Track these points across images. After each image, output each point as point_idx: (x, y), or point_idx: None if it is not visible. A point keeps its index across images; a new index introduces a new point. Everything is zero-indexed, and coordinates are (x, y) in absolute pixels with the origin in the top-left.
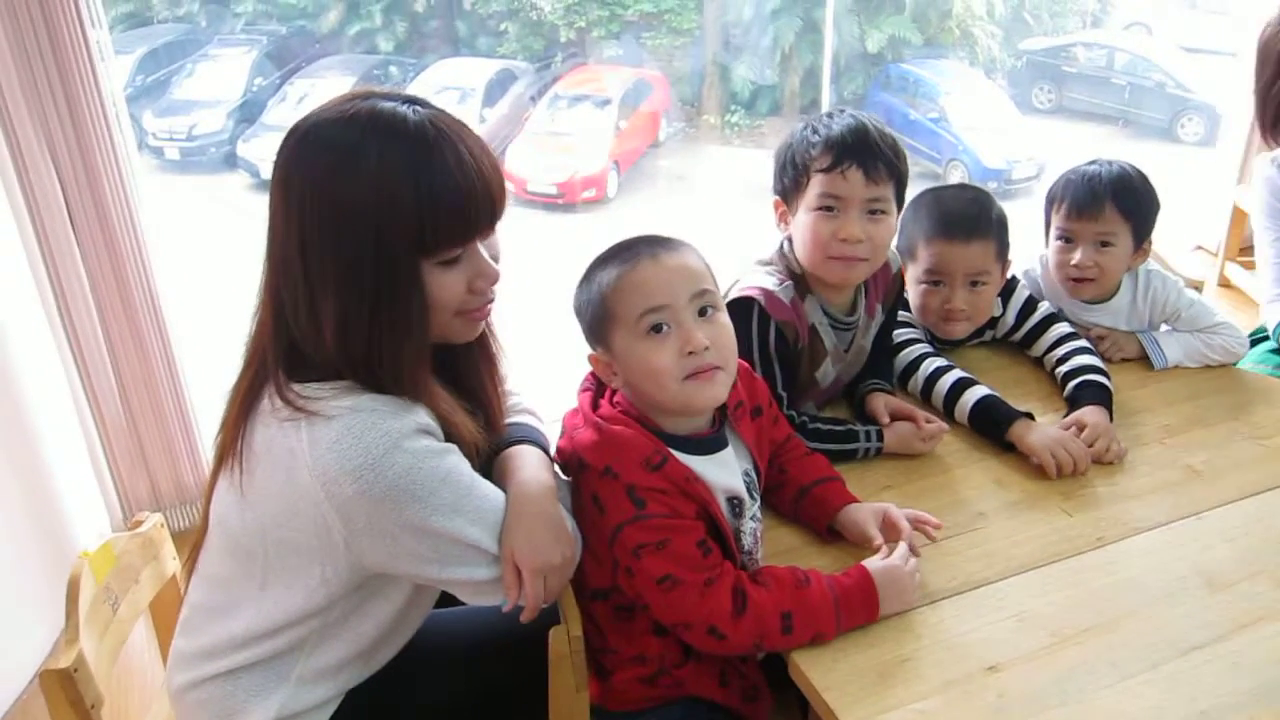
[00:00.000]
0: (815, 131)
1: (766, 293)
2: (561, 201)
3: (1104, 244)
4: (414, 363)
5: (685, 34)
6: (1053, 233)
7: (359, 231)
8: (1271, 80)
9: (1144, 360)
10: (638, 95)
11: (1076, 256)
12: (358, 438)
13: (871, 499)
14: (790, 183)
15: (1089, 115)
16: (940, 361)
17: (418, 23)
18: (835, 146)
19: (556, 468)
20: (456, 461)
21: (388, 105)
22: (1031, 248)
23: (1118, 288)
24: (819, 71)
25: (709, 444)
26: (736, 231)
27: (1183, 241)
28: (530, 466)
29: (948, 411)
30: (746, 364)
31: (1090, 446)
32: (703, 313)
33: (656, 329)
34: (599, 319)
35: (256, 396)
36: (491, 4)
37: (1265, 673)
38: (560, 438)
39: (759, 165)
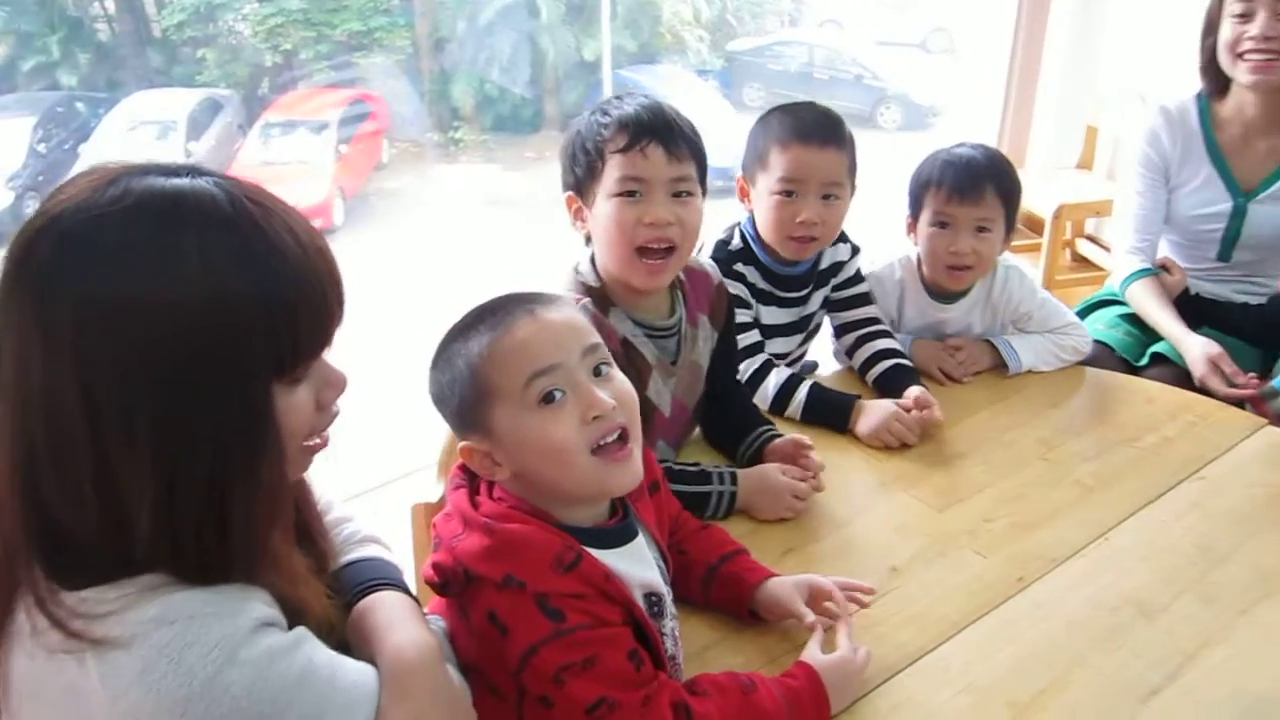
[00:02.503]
0: (606, 113)
1: None
2: None
3: (981, 229)
4: (269, 525)
5: (399, 51)
6: (926, 217)
7: (186, 358)
8: (1206, 30)
9: (993, 370)
10: (356, 118)
11: (957, 243)
12: (175, 661)
13: (773, 567)
14: (584, 172)
15: None
16: (762, 357)
17: (103, 53)
18: (630, 124)
19: (433, 618)
20: (310, 651)
21: (176, 182)
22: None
23: (972, 285)
24: (540, 83)
25: (617, 534)
26: (475, 247)
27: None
28: (400, 623)
29: (777, 411)
30: None
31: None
32: (598, 372)
33: (548, 398)
34: (472, 399)
35: (4, 611)
36: (185, 30)
37: (1231, 711)
38: (435, 551)
39: (489, 180)
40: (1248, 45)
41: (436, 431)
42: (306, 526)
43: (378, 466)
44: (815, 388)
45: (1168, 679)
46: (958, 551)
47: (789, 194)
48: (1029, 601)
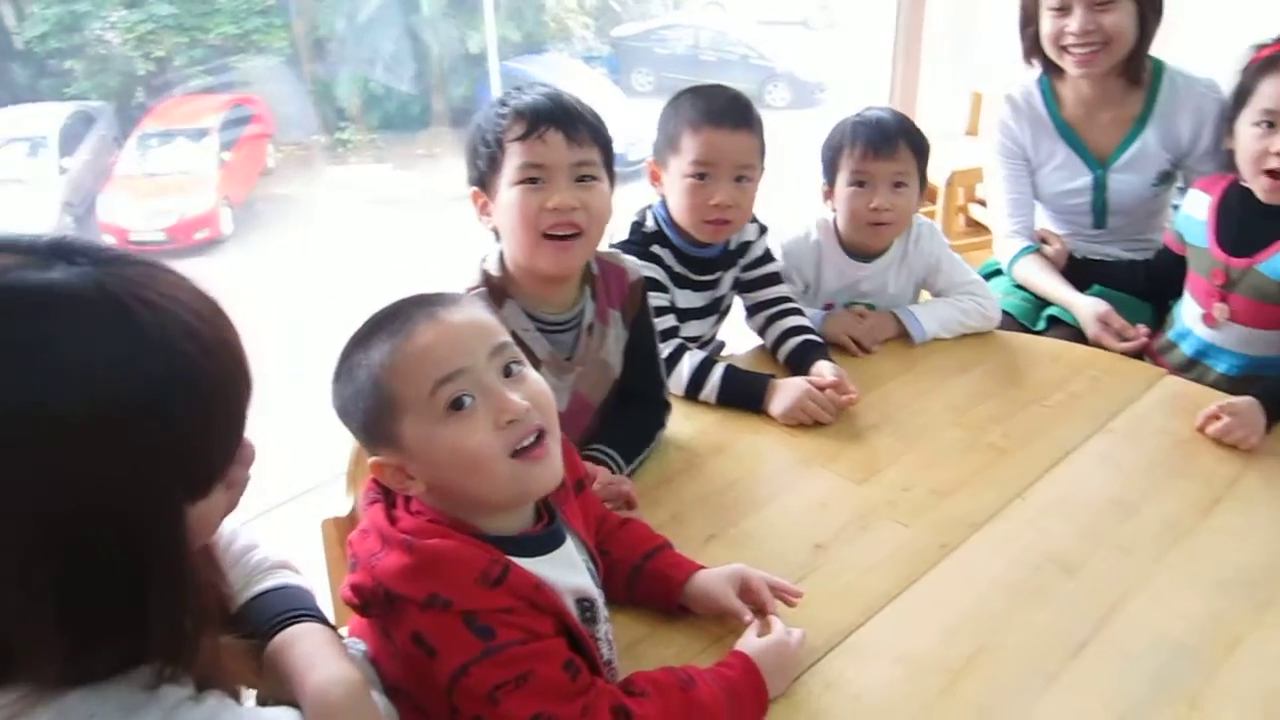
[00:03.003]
0: (504, 104)
1: None
2: (173, 247)
3: (898, 184)
4: (181, 614)
5: (278, 53)
6: (843, 178)
7: (73, 493)
8: (1024, 21)
9: (900, 340)
10: (237, 123)
11: (876, 199)
12: None
13: (698, 555)
14: (485, 164)
15: None
16: (675, 342)
17: None
18: (528, 112)
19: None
20: (223, 714)
21: (47, 278)
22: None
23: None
24: (426, 78)
25: (545, 541)
26: (370, 248)
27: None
28: (321, 660)
29: (691, 396)
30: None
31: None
32: (508, 371)
33: (457, 404)
34: (377, 411)
35: None
36: (49, 41)
37: (1155, 659)
38: (353, 571)
39: (380, 179)
40: (1069, 40)
41: (342, 442)
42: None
43: (282, 481)
44: (729, 369)
45: (1093, 632)
46: (880, 523)
47: (702, 177)
48: (954, 568)
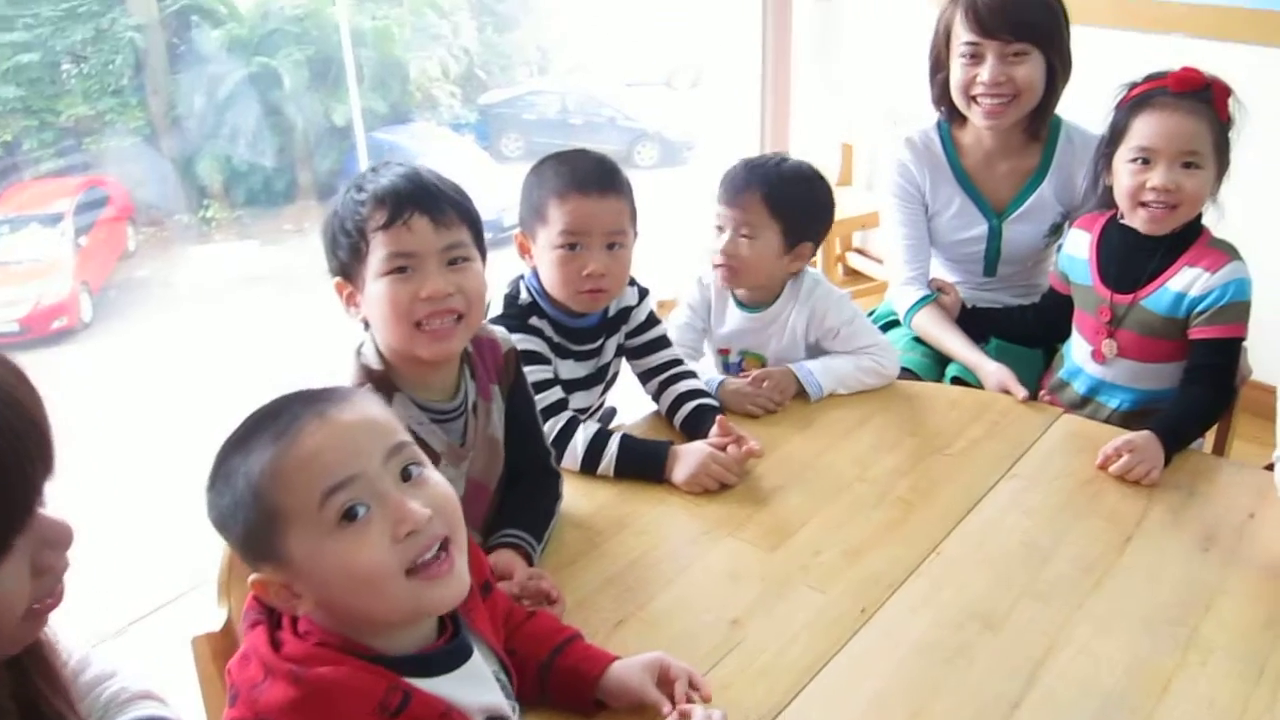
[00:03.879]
0: (361, 189)
1: None
2: (28, 338)
3: (745, 235)
4: None
5: (134, 133)
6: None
7: None
8: (934, 68)
9: (797, 398)
10: (93, 205)
11: (725, 244)
12: None
13: (609, 642)
14: (348, 255)
15: None
16: (567, 414)
17: None
18: (388, 198)
19: None
20: None
21: None
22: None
23: (777, 296)
24: (290, 152)
25: (450, 656)
26: (237, 329)
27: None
28: None
29: (588, 469)
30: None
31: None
32: (407, 475)
33: (350, 515)
34: (258, 524)
35: None
36: None
37: (1088, 710)
38: (232, 705)
39: (246, 256)
40: (979, 90)
41: (213, 544)
42: (36, 700)
43: (145, 590)
44: (626, 439)
45: (1024, 689)
46: (795, 591)
47: (572, 247)
48: (876, 632)
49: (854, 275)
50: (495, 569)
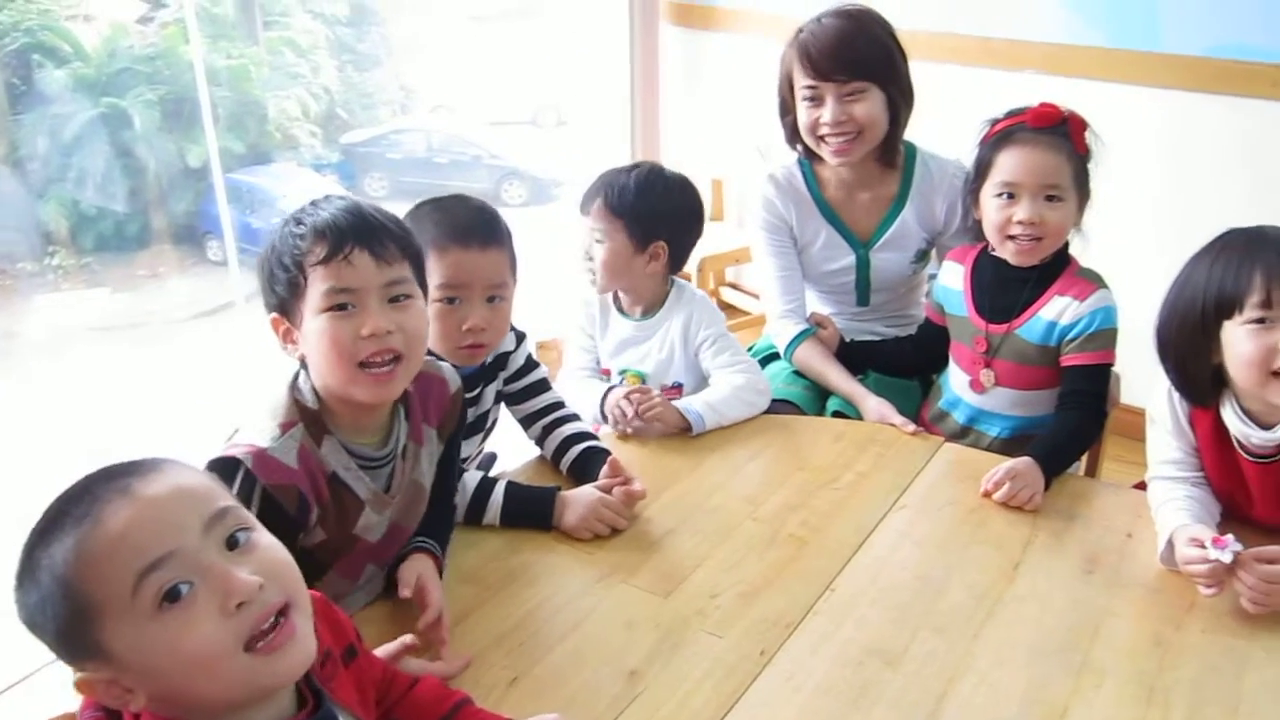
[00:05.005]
0: (300, 223)
1: (258, 452)
2: None
3: (598, 240)
4: None
5: None
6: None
7: None
8: (783, 111)
9: (681, 434)
10: None
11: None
12: None
13: (501, 705)
14: (285, 290)
15: (422, 194)
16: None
17: None
18: (329, 231)
19: None
20: None
21: None
22: None
23: (662, 301)
24: (143, 195)
25: None
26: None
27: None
28: None
29: (473, 520)
30: (320, 593)
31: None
32: (233, 543)
33: (171, 595)
34: (70, 620)
35: None
36: None
37: None
38: None
39: (97, 305)
40: (825, 130)
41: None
42: None
43: None
44: (511, 486)
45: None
46: (693, 637)
47: (451, 301)
48: (777, 676)
49: (729, 310)
50: (406, 574)
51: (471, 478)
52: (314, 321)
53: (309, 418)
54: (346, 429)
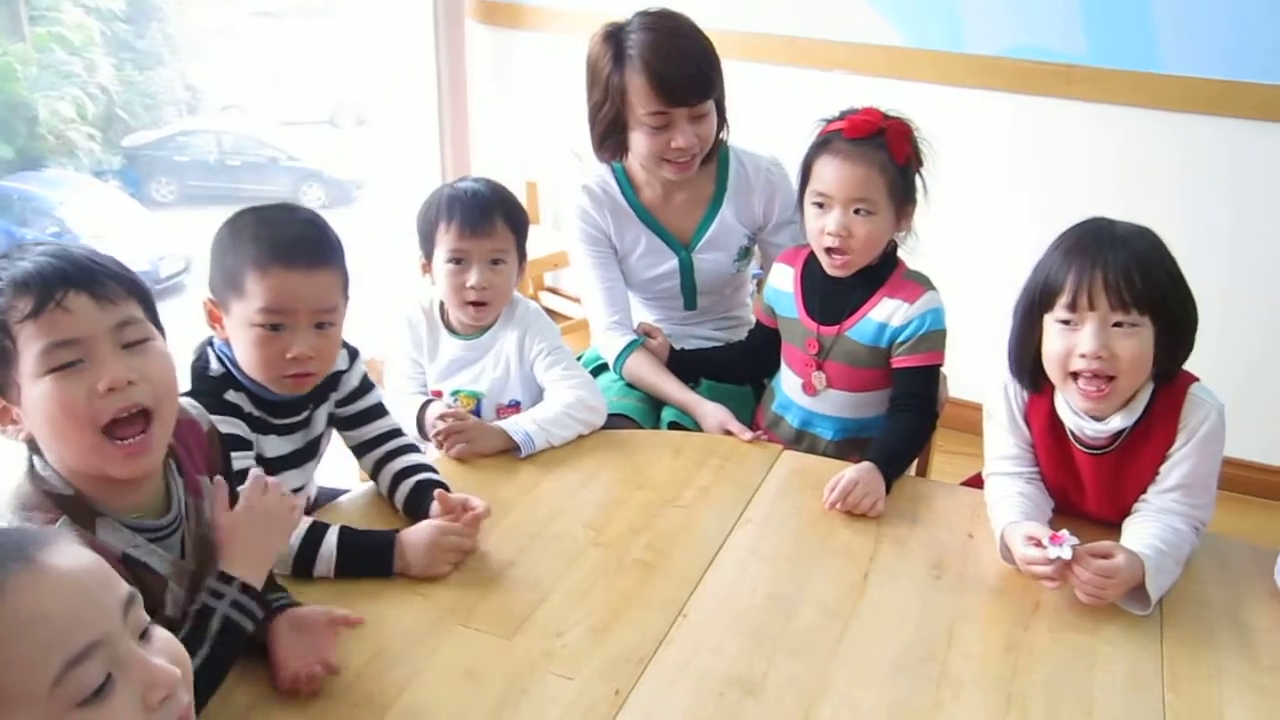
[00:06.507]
0: None
1: None
2: None
3: (495, 261)
4: None
5: None
6: (441, 255)
7: None
8: (600, 102)
9: (509, 456)
10: None
11: (471, 279)
12: None
13: None
14: None
15: (214, 199)
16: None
17: None
18: (33, 281)
19: None
20: None
21: None
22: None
23: (494, 322)
24: None
25: None
26: None
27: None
28: None
29: (302, 573)
30: None
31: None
32: (145, 632)
33: (100, 692)
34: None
35: None
36: None
37: None
38: None
39: None
40: (673, 154)
41: None
42: None
43: None
44: (346, 533)
45: None
46: (541, 681)
47: (274, 327)
48: (635, 715)
49: (551, 315)
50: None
51: (300, 526)
52: (35, 388)
53: (68, 506)
54: (117, 505)
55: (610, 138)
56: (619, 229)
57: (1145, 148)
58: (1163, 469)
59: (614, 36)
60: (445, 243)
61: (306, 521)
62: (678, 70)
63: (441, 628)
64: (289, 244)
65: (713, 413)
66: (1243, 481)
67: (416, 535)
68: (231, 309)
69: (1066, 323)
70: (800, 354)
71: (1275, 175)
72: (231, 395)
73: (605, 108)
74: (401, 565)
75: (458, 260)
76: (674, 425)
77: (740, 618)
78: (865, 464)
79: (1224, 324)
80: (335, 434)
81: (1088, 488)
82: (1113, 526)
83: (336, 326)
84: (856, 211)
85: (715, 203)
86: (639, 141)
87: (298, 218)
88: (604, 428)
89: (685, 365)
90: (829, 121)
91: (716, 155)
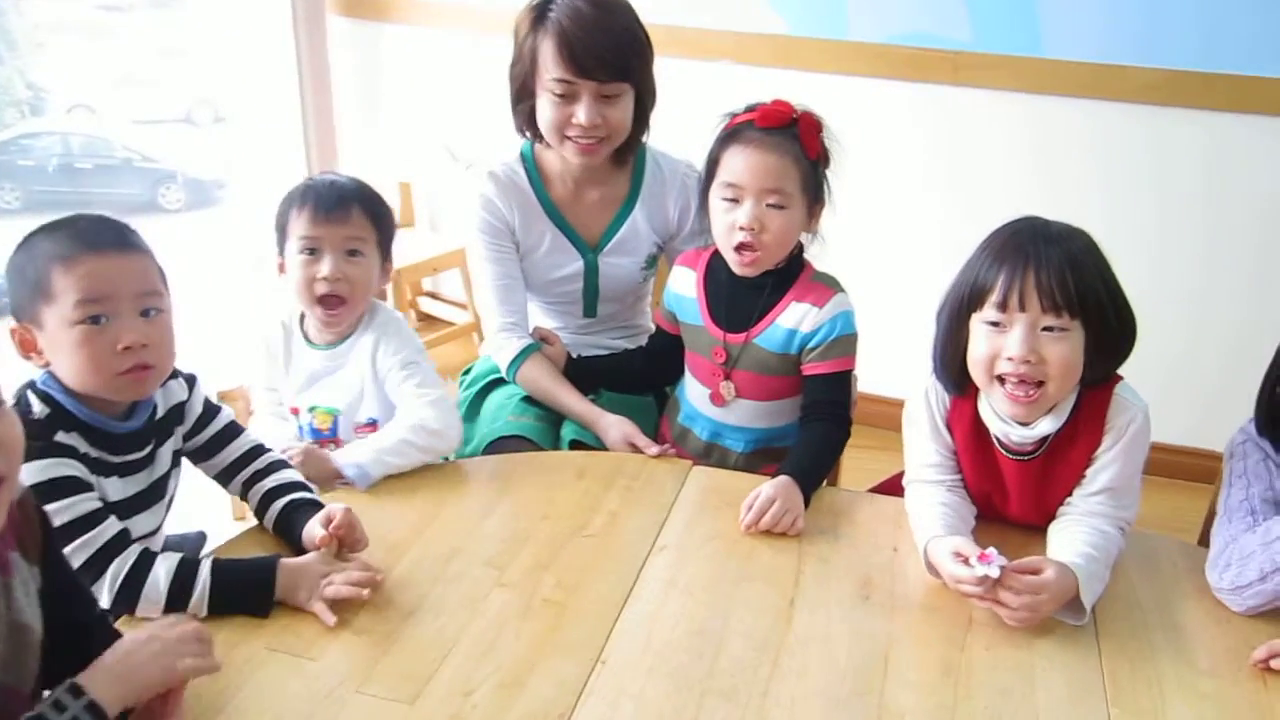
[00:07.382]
0: None
1: None
2: None
3: (352, 252)
4: None
5: None
6: (293, 245)
7: None
8: (514, 63)
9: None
10: None
11: (323, 269)
12: None
13: None
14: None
15: (63, 205)
16: (136, 549)
17: None
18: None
19: None
20: None
21: None
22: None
23: (357, 324)
24: None
25: None
26: None
27: None
28: None
29: (179, 609)
30: None
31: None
32: None
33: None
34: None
35: None
36: None
37: None
38: None
39: None
40: (574, 131)
41: None
42: None
43: None
44: (219, 565)
45: None
46: None
47: (96, 320)
48: None
49: (431, 322)
50: None
51: (169, 561)
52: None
53: None
54: None
55: (521, 102)
56: (524, 222)
57: (1033, 132)
58: (1089, 472)
59: (548, 4)
60: (297, 230)
61: (176, 557)
62: (591, 41)
63: (335, 699)
64: (91, 232)
65: (616, 425)
66: (1168, 465)
67: (298, 570)
68: (44, 320)
69: (995, 324)
70: (706, 363)
71: (1162, 158)
72: (62, 436)
73: (517, 68)
74: (287, 597)
75: (311, 250)
76: (575, 444)
77: (663, 658)
78: (781, 478)
79: (1148, 309)
80: (187, 473)
81: (1012, 493)
82: (1037, 530)
83: (164, 314)
84: (770, 205)
85: (628, 204)
86: (543, 109)
87: (91, 215)
88: (501, 451)
89: (583, 374)
90: (735, 114)
91: (634, 156)
